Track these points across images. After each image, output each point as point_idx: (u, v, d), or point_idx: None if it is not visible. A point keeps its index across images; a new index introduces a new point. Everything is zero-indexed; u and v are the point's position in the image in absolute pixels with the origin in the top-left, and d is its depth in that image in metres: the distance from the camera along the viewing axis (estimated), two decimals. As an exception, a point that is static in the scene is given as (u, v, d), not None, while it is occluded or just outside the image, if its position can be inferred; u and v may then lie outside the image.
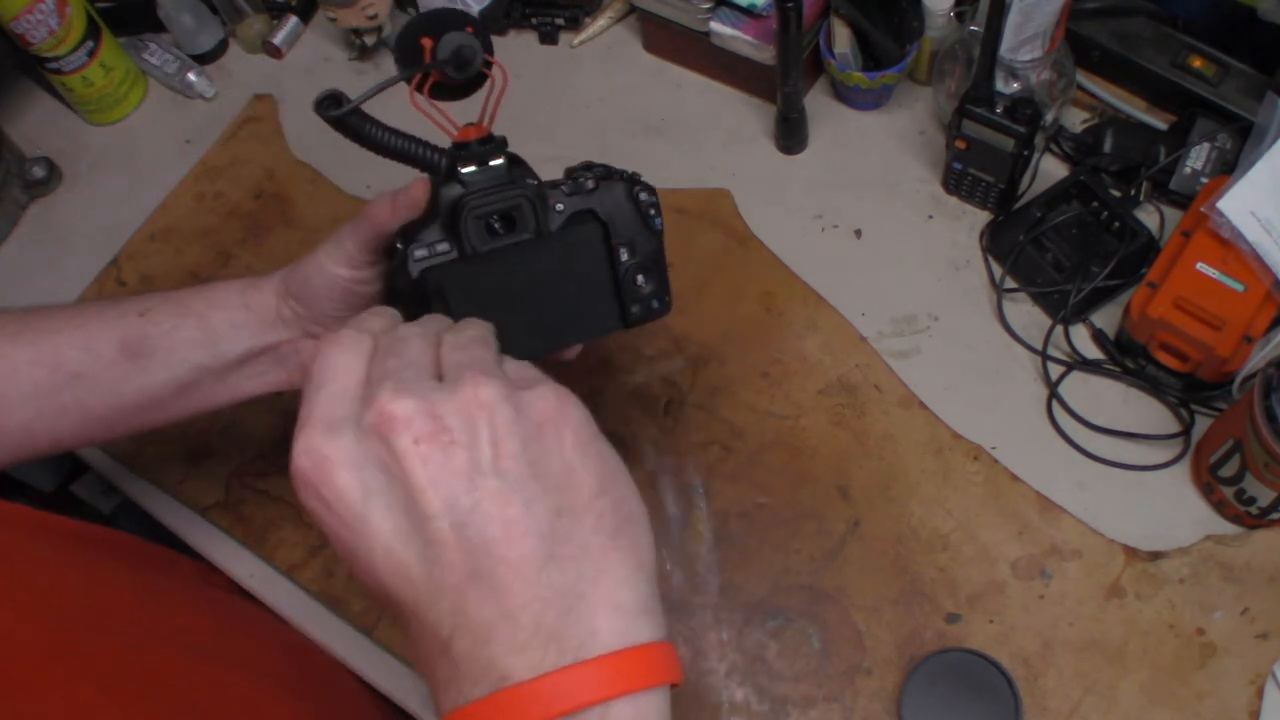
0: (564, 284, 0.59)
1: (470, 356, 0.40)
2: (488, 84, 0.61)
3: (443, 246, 0.55)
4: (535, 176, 0.58)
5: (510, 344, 0.47)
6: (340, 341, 0.40)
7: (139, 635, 0.53)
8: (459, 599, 0.35)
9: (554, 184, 0.58)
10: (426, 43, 0.59)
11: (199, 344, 0.62)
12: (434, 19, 0.59)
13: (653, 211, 0.60)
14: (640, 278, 0.61)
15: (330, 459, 0.38)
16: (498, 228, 0.55)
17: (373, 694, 0.74)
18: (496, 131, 0.59)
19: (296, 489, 0.39)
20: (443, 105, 0.60)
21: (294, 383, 0.66)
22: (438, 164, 0.59)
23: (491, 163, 0.56)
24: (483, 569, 0.35)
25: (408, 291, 0.55)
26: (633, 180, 0.60)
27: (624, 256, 0.60)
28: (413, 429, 0.36)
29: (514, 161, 0.57)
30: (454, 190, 0.56)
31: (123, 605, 0.55)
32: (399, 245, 0.56)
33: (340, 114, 0.58)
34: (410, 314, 0.47)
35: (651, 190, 0.60)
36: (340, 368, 0.39)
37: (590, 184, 0.58)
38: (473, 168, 0.56)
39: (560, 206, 0.57)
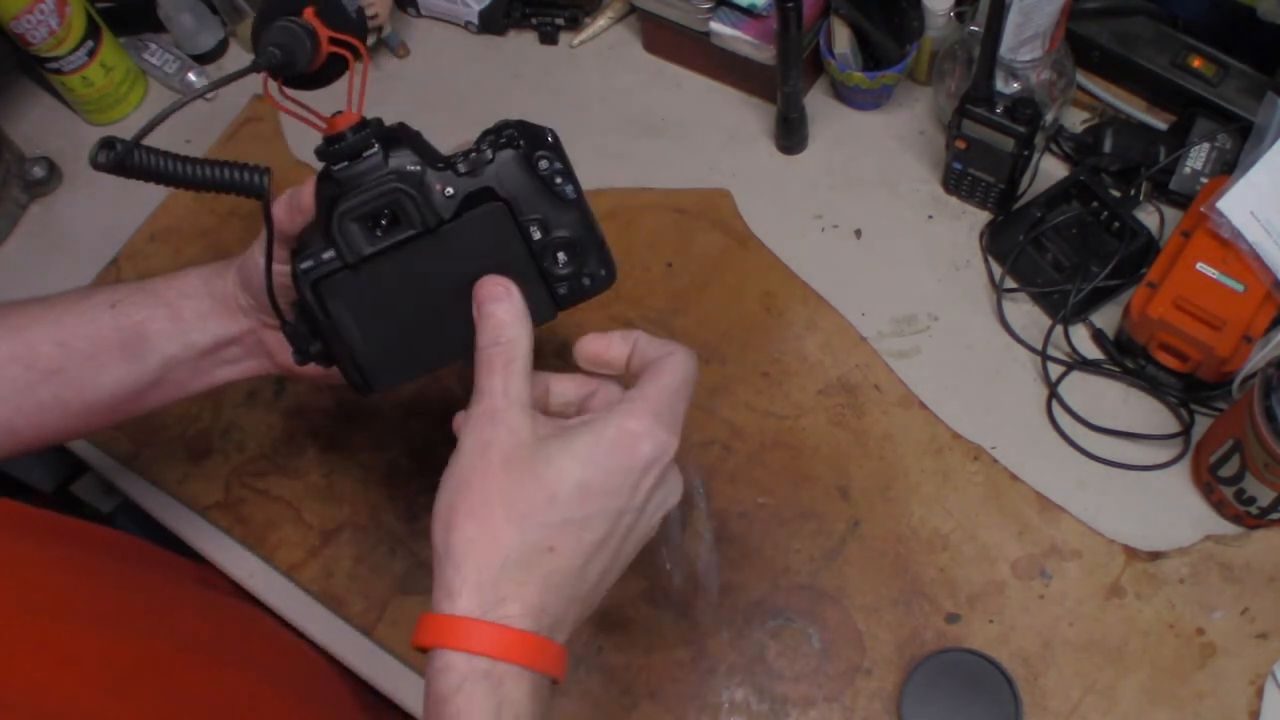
0: (471, 277, 0.52)
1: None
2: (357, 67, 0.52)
3: (328, 254, 0.50)
4: (428, 156, 0.51)
5: (425, 354, 0.47)
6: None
7: (137, 632, 0.53)
8: None
9: (449, 160, 0.51)
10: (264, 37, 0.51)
11: (170, 335, 0.62)
12: (270, 7, 0.51)
13: (559, 180, 0.52)
14: (560, 255, 0.53)
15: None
16: (381, 226, 0.50)
17: (371, 696, 0.74)
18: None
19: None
20: (309, 96, 0.53)
21: (267, 370, 0.65)
22: (258, 185, 0.50)
23: (365, 153, 0.50)
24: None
25: (303, 307, 0.52)
26: (532, 144, 0.52)
27: (536, 235, 0.52)
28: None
29: (391, 143, 0.50)
30: (330, 189, 0.50)
31: (121, 603, 0.55)
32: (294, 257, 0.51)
33: (116, 158, 0.47)
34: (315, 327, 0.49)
35: (555, 153, 0.52)
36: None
37: (489, 154, 0.51)
38: (344, 163, 0.50)
39: (450, 190, 0.50)
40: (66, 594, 0.52)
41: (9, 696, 0.43)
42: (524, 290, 0.52)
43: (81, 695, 0.46)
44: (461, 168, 0.51)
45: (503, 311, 0.49)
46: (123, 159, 0.48)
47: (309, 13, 0.51)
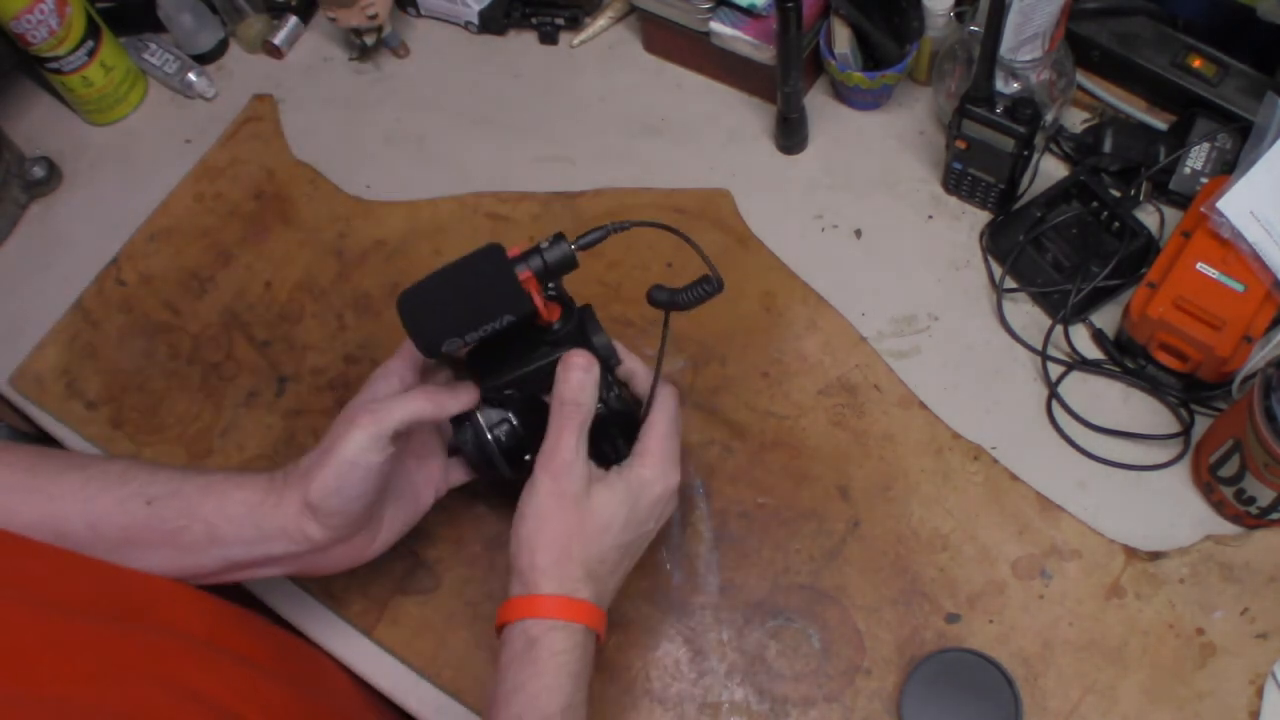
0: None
1: None
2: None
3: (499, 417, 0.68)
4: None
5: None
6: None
7: (129, 623, 0.53)
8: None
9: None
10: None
11: (204, 548, 0.61)
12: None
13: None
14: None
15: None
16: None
17: (367, 693, 0.74)
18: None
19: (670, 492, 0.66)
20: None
21: (305, 572, 0.65)
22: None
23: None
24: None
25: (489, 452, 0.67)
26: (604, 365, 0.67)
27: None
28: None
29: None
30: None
31: (109, 594, 0.56)
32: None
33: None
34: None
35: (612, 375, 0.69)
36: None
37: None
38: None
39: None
40: (56, 585, 0.53)
41: (6, 689, 0.44)
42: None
43: (66, 674, 0.47)
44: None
45: (584, 378, 0.63)
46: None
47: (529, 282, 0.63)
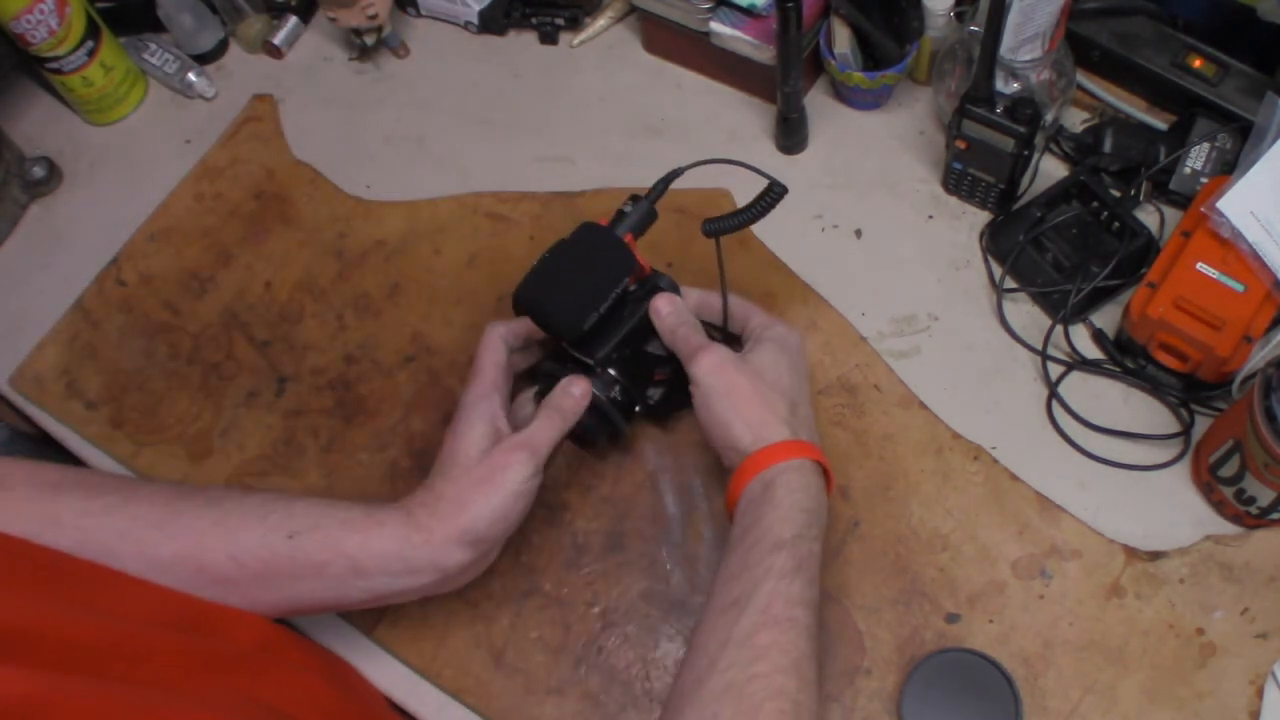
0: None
1: None
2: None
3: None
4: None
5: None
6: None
7: (191, 633, 0.55)
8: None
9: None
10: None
11: (349, 581, 0.62)
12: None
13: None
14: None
15: None
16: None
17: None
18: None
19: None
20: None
21: (440, 592, 0.67)
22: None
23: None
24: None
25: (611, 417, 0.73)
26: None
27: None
28: None
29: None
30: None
31: (167, 607, 0.57)
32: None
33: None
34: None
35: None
36: None
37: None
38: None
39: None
40: (119, 600, 0.55)
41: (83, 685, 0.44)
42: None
43: (143, 690, 0.48)
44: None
45: (672, 307, 0.72)
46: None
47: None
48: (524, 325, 0.72)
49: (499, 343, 0.71)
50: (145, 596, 0.57)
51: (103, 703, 0.42)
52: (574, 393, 0.69)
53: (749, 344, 0.72)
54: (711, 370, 0.67)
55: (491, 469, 0.64)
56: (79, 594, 0.54)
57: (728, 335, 0.76)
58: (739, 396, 0.66)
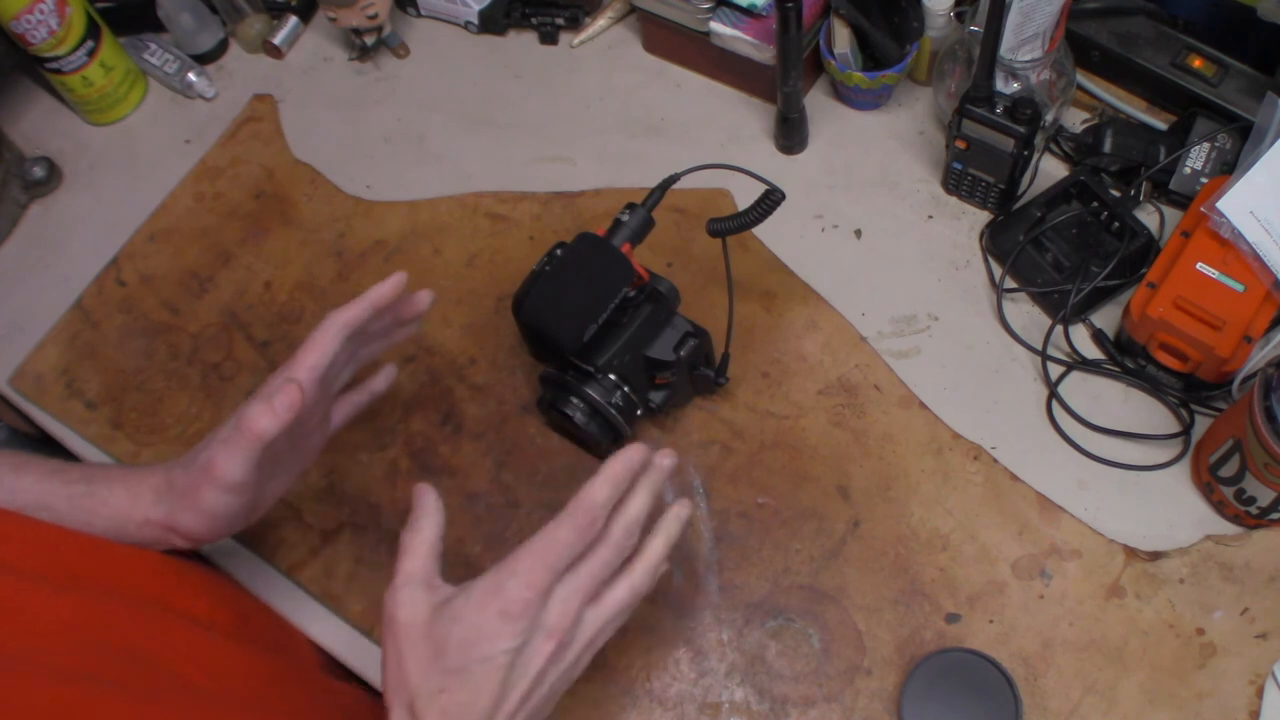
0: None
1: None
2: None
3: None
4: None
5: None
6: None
7: (70, 589, 0.55)
8: None
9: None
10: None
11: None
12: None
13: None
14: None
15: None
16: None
17: (334, 665, 0.75)
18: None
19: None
20: None
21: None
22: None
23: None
24: None
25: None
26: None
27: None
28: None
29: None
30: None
31: (56, 559, 0.57)
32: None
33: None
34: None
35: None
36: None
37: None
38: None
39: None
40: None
41: None
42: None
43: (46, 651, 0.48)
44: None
45: (427, 503, 0.59)
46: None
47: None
48: (365, 309, 0.65)
49: (335, 338, 0.63)
50: (33, 546, 0.57)
51: None
52: (247, 415, 0.60)
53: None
54: (388, 609, 0.56)
55: (196, 479, 0.62)
56: None
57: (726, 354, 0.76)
58: (389, 662, 0.55)
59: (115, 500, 0.63)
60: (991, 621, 0.71)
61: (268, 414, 0.59)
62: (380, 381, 0.75)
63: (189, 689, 0.54)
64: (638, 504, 0.58)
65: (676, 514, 0.61)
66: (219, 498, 0.61)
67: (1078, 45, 0.85)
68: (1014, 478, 0.76)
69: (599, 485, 0.55)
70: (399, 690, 0.54)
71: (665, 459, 0.60)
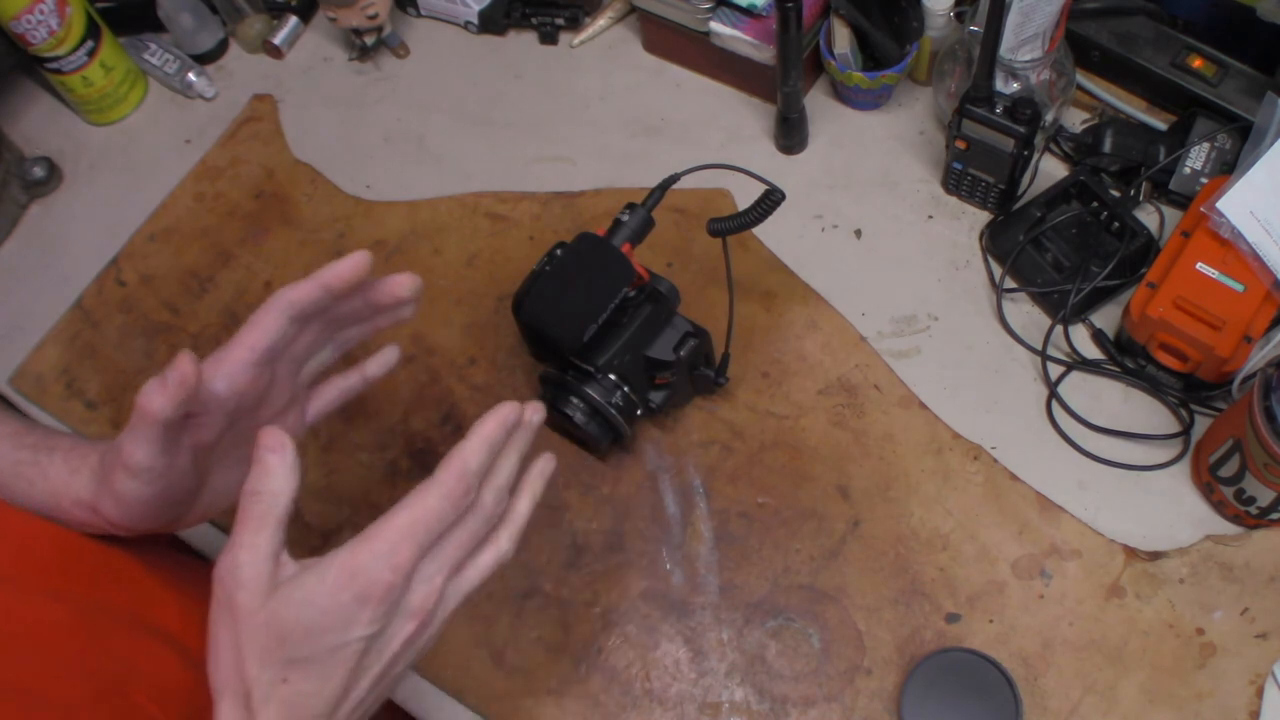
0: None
1: None
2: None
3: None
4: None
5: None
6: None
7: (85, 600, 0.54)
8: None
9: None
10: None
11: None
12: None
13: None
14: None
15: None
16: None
17: None
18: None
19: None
20: None
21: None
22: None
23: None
24: None
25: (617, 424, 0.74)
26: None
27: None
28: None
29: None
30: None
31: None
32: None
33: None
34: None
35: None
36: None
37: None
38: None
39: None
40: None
41: None
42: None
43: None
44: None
45: (275, 462, 0.49)
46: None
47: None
48: (316, 289, 0.56)
49: (278, 317, 0.55)
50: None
51: None
52: (140, 394, 0.52)
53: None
54: (220, 585, 0.48)
55: (111, 461, 0.55)
56: None
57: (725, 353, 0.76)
58: (220, 646, 0.49)
59: (55, 474, 0.58)
60: (991, 621, 0.71)
61: (159, 391, 0.50)
62: (373, 365, 0.65)
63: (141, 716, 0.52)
64: (508, 467, 0.52)
65: (541, 470, 0.55)
66: (126, 482, 0.54)
67: (1078, 45, 0.85)
68: (1014, 478, 0.76)
69: (473, 448, 0.49)
70: (233, 680, 0.47)
71: (535, 414, 0.54)
